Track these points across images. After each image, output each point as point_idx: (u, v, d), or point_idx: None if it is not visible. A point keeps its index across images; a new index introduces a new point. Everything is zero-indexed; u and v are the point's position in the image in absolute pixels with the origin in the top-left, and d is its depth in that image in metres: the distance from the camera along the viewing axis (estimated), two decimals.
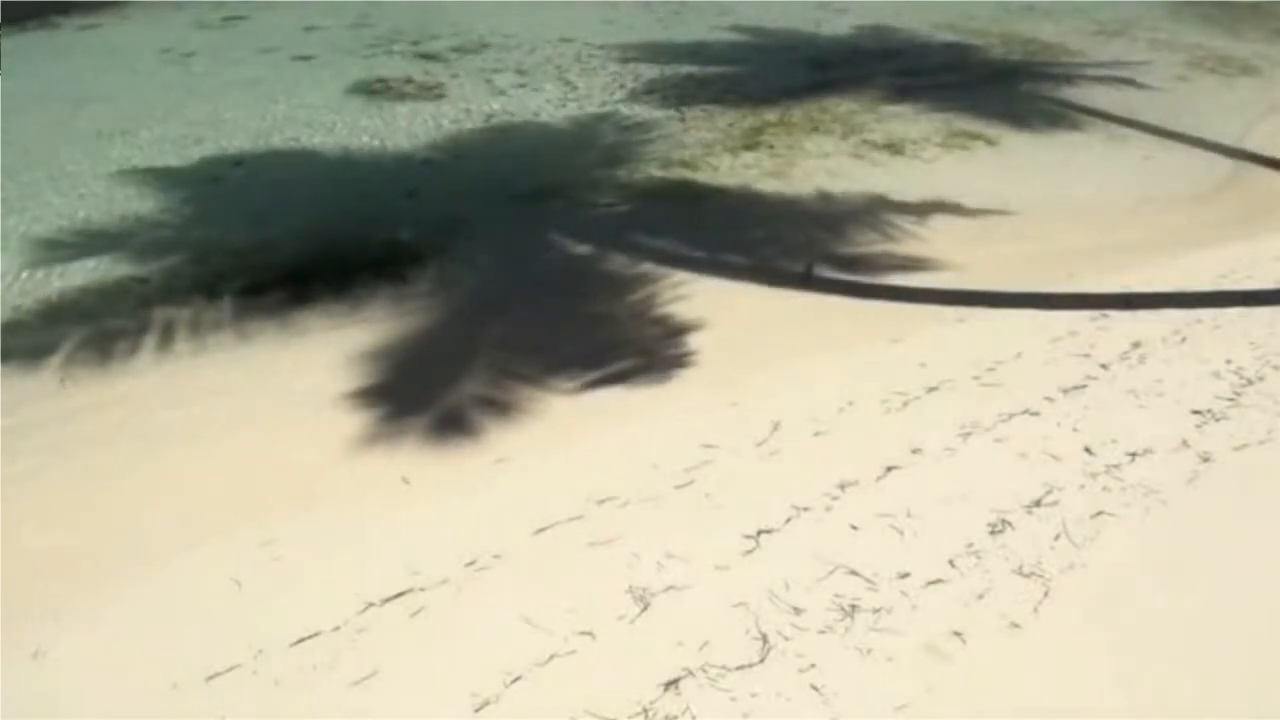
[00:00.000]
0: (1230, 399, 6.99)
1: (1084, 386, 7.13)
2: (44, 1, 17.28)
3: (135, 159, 11.19)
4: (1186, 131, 13.60)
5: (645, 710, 4.28)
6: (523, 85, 14.45)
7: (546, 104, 13.75)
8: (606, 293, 8.71)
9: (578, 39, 16.80)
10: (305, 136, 12.15)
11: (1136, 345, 7.77)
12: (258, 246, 9.29)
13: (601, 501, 5.70)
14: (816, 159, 12.13)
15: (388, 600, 4.92)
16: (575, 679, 4.46)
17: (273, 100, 13.37)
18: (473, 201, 10.51)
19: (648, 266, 9.17)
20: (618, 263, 9.27)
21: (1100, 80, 15.86)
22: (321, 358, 7.54)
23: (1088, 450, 6.30)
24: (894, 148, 12.58)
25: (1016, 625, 4.83)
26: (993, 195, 11.37)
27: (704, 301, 8.52)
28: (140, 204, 10.11)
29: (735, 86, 14.76)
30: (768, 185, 11.38)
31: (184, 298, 8.31)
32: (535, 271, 9.28)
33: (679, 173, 11.61)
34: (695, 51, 16.54)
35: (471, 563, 5.19)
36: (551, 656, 4.57)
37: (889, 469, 6.05)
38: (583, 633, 4.71)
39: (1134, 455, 6.24)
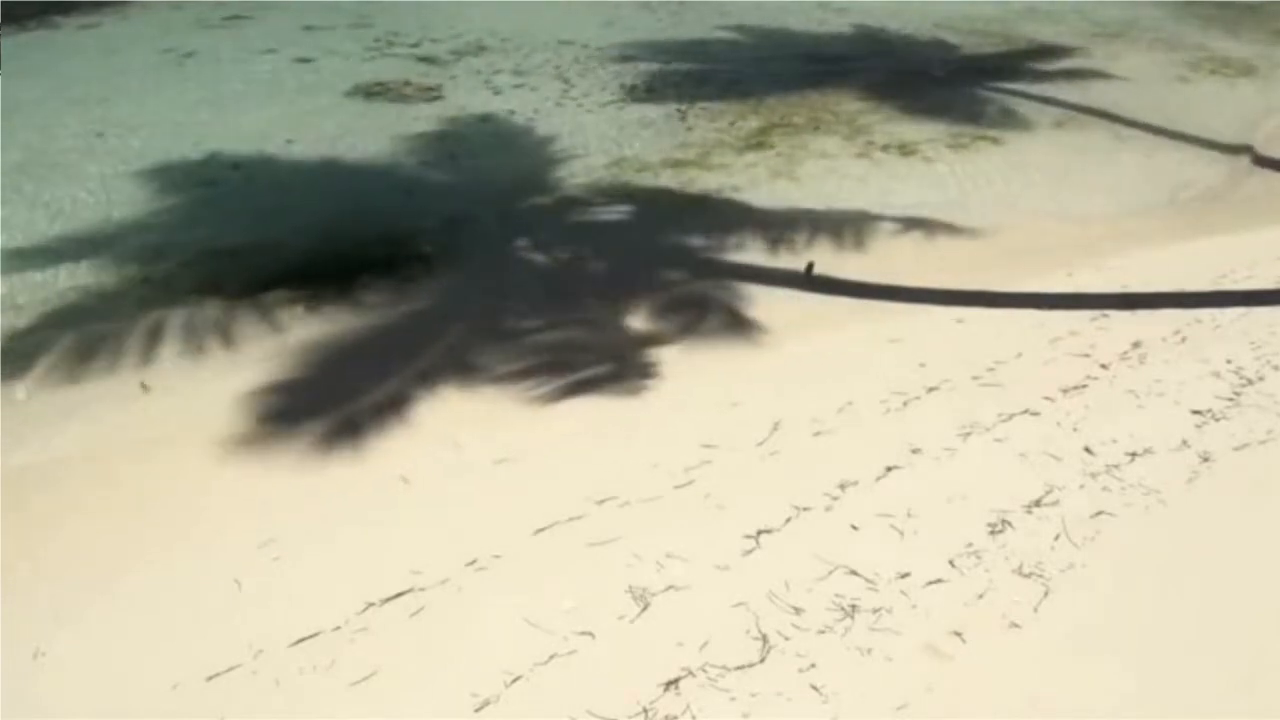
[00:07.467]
0: (1230, 399, 6.99)
1: (1084, 386, 7.13)
2: (44, 1, 17.27)
3: (135, 159, 11.16)
4: (1187, 131, 13.60)
5: (645, 710, 4.29)
6: (521, 86, 14.43)
7: (545, 105, 13.73)
8: (603, 293, 8.70)
9: (577, 40, 16.78)
10: (304, 137, 12.13)
11: (1136, 345, 7.77)
12: (257, 247, 9.28)
13: (601, 501, 5.70)
14: (820, 159, 12.13)
15: (388, 600, 4.93)
16: (575, 679, 4.46)
17: (272, 101, 13.36)
18: (471, 203, 10.50)
19: (648, 266, 9.17)
20: (617, 263, 9.27)
21: (1101, 81, 15.87)
22: (318, 358, 7.56)
23: (1088, 450, 6.30)
24: (897, 148, 12.57)
25: (1016, 625, 4.83)
26: (993, 195, 11.40)
27: (703, 301, 8.53)
28: (139, 205, 10.09)
29: (737, 86, 14.75)
30: (770, 185, 11.37)
31: (184, 299, 8.30)
32: (533, 272, 9.28)
33: (681, 173, 11.60)
34: (696, 52, 16.51)
35: (471, 563, 5.19)
36: (551, 656, 4.57)
37: (889, 469, 6.06)
38: (583, 633, 4.72)
39: (1134, 455, 6.25)
